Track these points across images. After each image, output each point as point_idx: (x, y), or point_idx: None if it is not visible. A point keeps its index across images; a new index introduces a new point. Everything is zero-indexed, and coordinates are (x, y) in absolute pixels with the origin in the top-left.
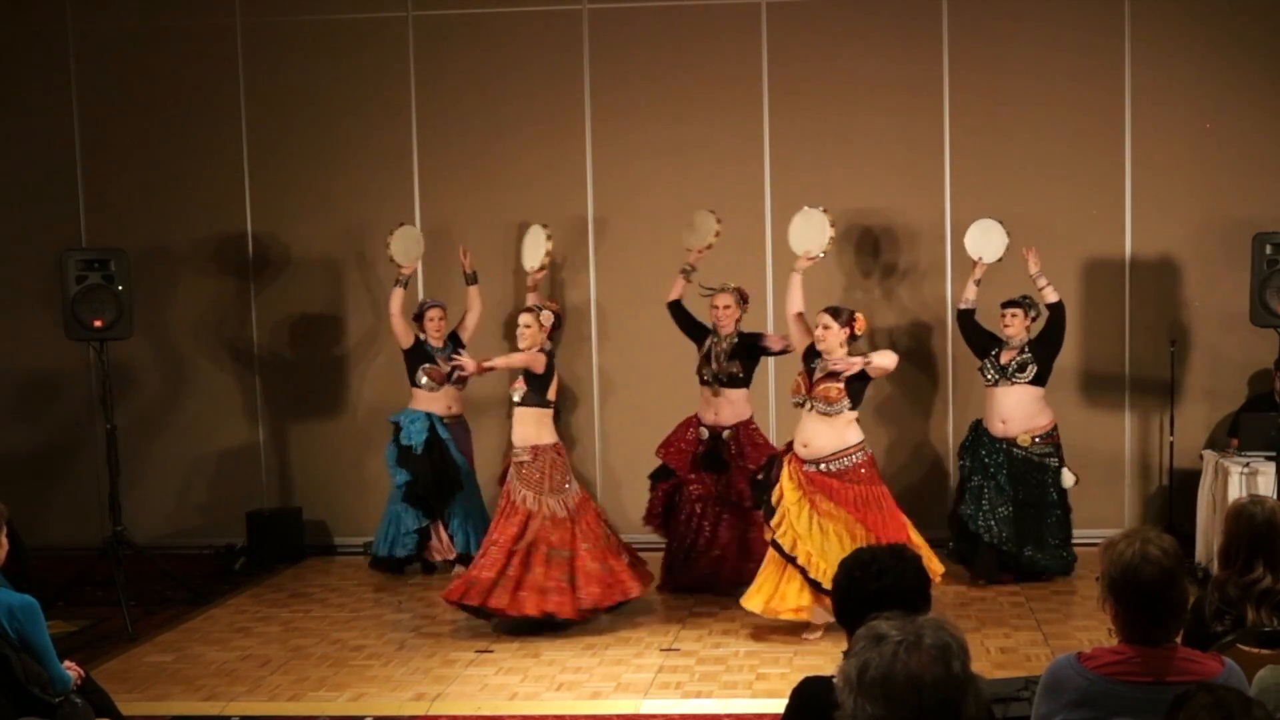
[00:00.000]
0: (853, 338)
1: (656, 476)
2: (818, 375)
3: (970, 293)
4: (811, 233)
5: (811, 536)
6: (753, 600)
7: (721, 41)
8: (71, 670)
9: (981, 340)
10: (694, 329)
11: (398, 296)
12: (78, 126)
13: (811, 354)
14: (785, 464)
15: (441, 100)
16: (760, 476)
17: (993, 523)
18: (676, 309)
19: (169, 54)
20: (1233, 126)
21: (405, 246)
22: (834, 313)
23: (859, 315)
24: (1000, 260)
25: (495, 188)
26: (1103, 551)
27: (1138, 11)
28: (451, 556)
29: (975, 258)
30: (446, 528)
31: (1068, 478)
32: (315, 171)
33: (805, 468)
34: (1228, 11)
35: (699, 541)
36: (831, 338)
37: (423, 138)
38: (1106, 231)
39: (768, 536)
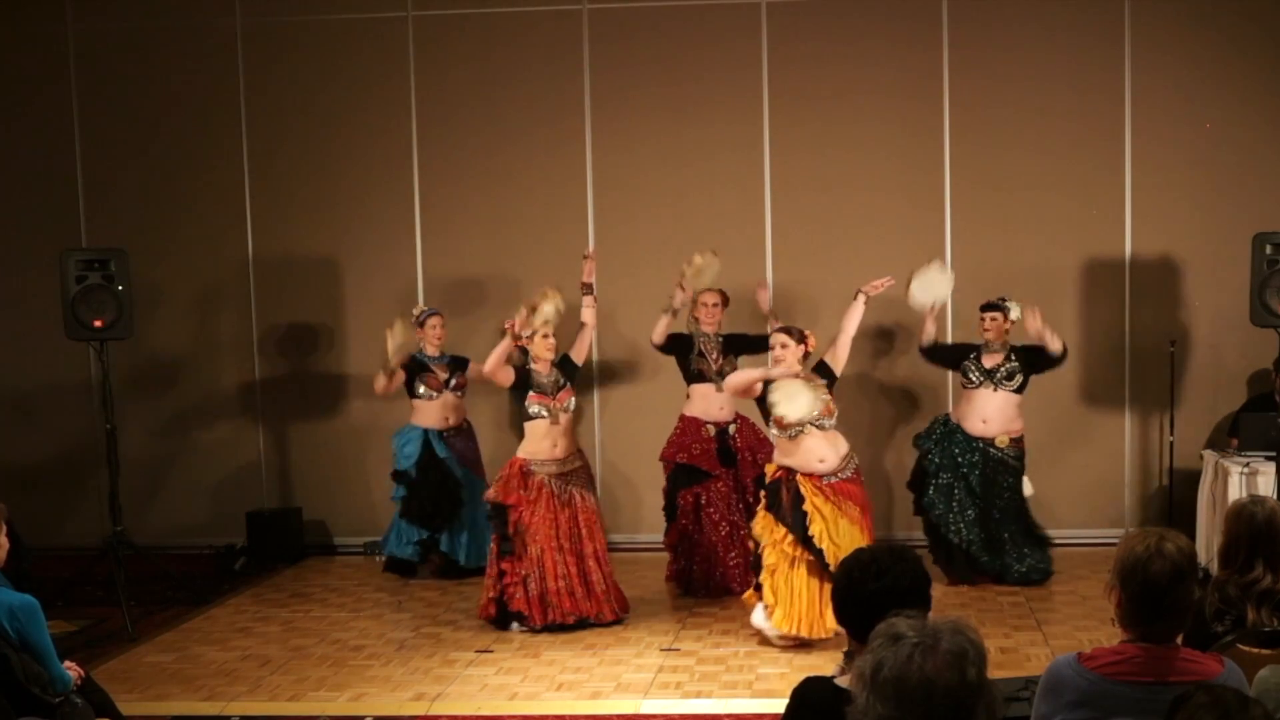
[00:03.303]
0: (806, 354)
1: (681, 482)
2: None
3: (930, 328)
4: (938, 285)
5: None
6: (787, 623)
7: (721, 42)
8: (71, 670)
9: (952, 358)
10: (675, 343)
11: (380, 381)
12: (78, 126)
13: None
14: (798, 484)
15: (441, 100)
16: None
17: (961, 525)
18: (662, 342)
19: (169, 54)
20: (1232, 127)
21: (404, 340)
22: (788, 332)
23: (809, 333)
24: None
25: (495, 187)
26: (1121, 542)
27: (1137, 13)
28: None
29: (928, 306)
30: (440, 543)
31: (1028, 486)
32: (315, 171)
33: (825, 480)
34: (1227, 13)
35: (720, 540)
36: (790, 356)
37: (423, 138)
38: (1106, 231)
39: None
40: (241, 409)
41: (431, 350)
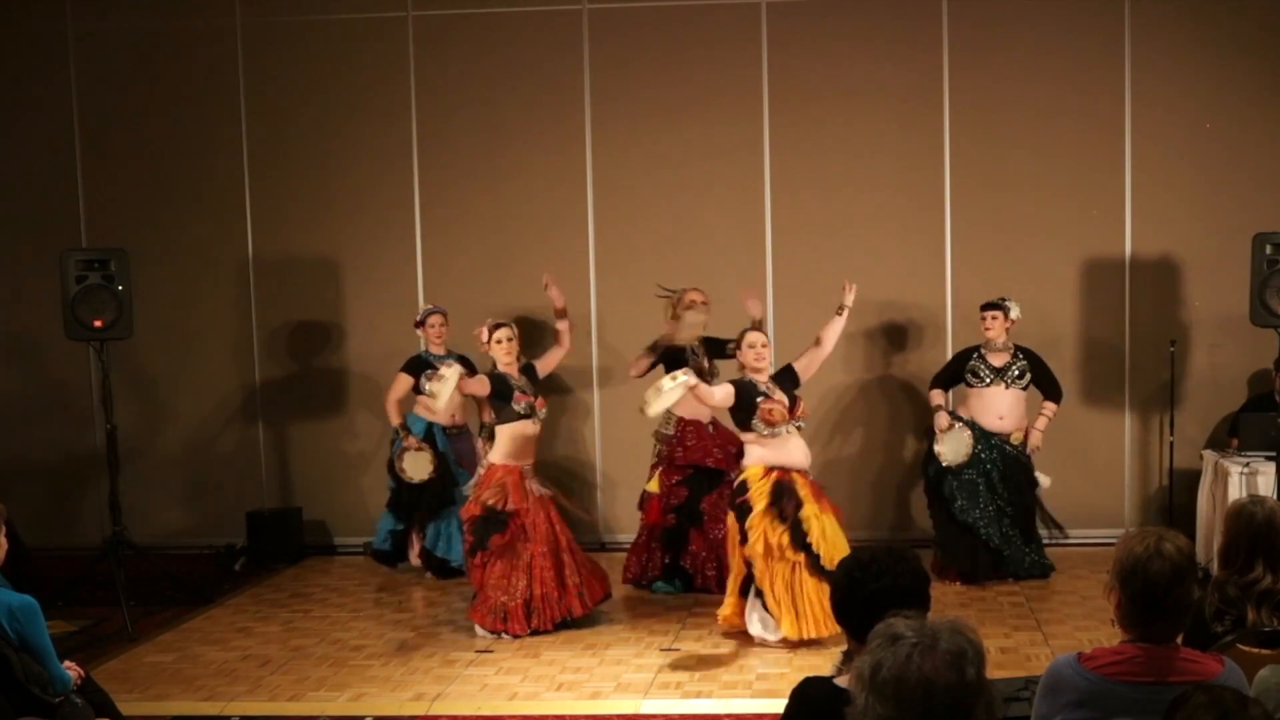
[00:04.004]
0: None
1: (705, 486)
2: (790, 396)
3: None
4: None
5: (839, 543)
6: (798, 628)
7: (721, 41)
8: (71, 670)
9: (957, 373)
10: (667, 357)
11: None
12: (78, 126)
13: (752, 386)
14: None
15: (441, 100)
16: (773, 511)
17: (985, 520)
18: (642, 373)
19: (169, 54)
20: (1232, 127)
21: (417, 466)
22: (759, 329)
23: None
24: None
25: (495, 187)
26: (1120, 543)
27: (1137, 13)
28: (417, 563)
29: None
30: (423, 537)
31: (1044, 479)
32: (315, 171)
33: (808, 479)
34: (1227, 13)
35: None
36: (769, 356)
37: (423, 138)
38: (1106, 231)
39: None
40: (241, 409)
41: (435, 349)
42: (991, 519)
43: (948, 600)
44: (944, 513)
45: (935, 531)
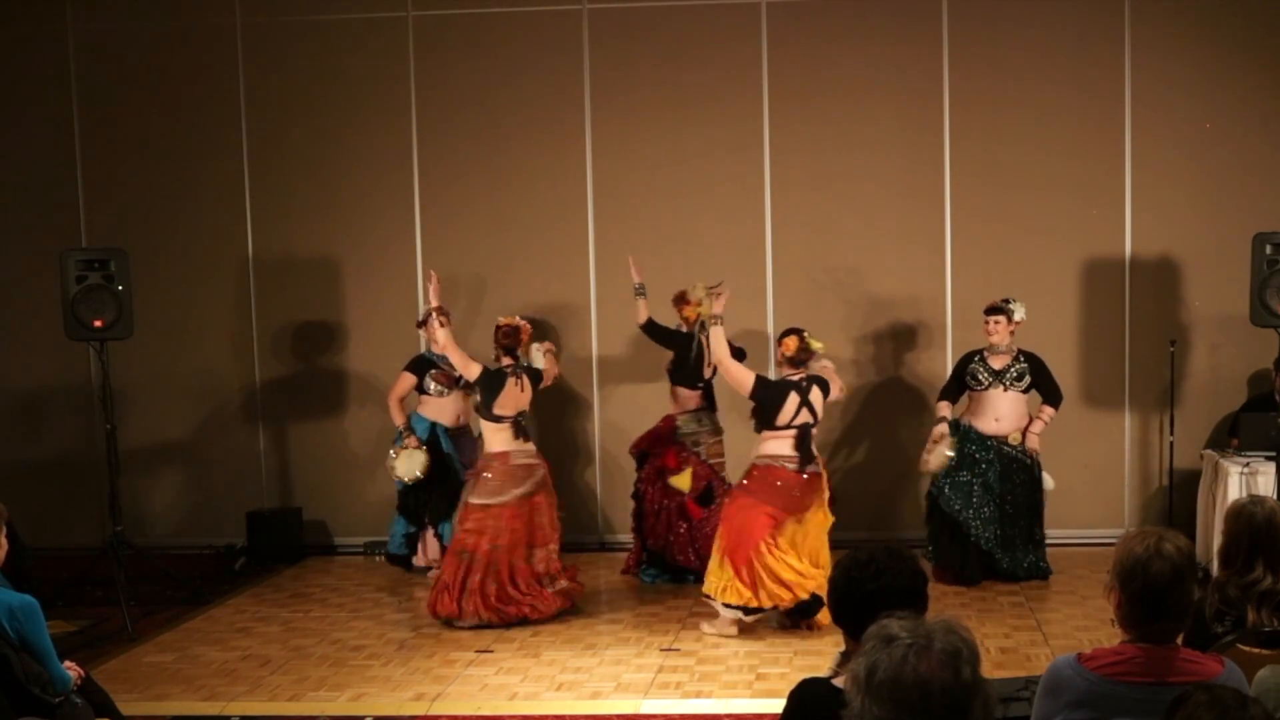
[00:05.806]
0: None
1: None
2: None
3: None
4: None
5: None
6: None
7: (721, 41)
8: (71, 670)
9: (960, 378)
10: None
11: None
12: (78, 126)
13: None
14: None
15: (441, 100)
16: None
17: (978, 523)
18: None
19: (169, 54)
20: (1232, 127)
21: (409, 466)
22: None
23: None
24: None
25: (495, 187)
26: (1120, 543)
27: (1137, 12)
28: (435, 560)
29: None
30: (438, 535)
31: (1049, 481)
32: (315, 171)
33: None
34: (1227, 13)
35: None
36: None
37: (423, 138)
38: (1106, 232)
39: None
40: (241, 409)
41: (438, 350)
42: (986, 521)
43: (947, 600)
44: (937, 513)
45: (928, 532)
